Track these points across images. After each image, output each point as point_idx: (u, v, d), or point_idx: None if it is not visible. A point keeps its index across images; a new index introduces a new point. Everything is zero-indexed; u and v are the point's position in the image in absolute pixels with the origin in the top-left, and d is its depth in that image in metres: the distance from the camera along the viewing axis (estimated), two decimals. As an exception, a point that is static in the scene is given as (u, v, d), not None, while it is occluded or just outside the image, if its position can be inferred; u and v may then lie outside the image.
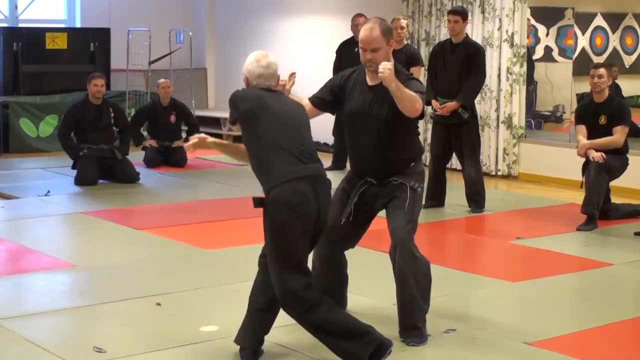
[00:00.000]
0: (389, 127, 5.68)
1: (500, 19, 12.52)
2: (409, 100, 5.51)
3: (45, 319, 6.11)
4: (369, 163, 5.84)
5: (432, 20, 13.46)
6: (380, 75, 5.45)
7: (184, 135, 13.07)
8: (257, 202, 5.12)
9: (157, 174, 12.14)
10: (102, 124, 11.29)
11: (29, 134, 14.15)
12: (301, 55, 15.26)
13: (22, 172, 12.27)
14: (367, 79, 5.84)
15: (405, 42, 10.72)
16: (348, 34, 12.46)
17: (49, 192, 10.51)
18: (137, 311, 6.30)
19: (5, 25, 15.32)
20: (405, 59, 10.09)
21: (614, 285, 7.35)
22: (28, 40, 14.67)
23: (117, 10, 15.91)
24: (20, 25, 15.52)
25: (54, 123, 14.15)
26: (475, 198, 10.00)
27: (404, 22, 10.67)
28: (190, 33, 15.79)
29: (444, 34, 12.78)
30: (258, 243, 7.46)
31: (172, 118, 12.81)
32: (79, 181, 11.05)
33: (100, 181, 11.26)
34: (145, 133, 12.99)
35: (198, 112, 15.04)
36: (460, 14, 9.95)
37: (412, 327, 5.72)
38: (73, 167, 11.25)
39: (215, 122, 15.78)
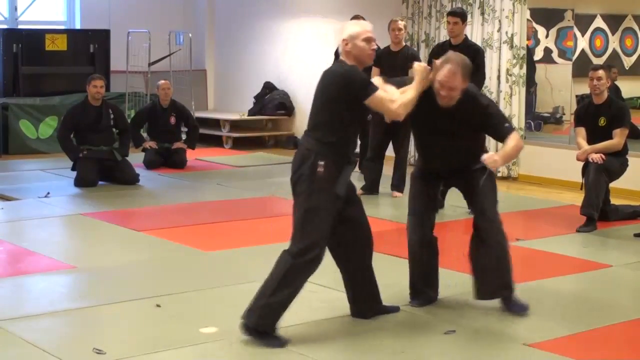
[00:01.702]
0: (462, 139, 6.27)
1: (499, 21, 12.51)
2: (514, 156, 6.52)
3: (45, 320, 6.08)
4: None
5: (431, 22, 13.46)
6: (491, 167, 6.11)
7: (183, 136, 13.07)
8: None
9: (157, 175, 12.15)
10: (102, 126, 11.26)
11: (28, 135, 14.14)
12: (300, 57, 15.27)
13: (22, 174, 12.25)
14: (438, 101, 6.18)
15: (404, 44, 10.75)
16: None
17: (48, 193, 10.51)
18: (137, 313, 6.30)
19: (4, 26, 15.24)
20: (404, 60, 10.06)
21: (613, 287, 7.35)
22: (28, 42, 14.68)
23: (116, 12, 15.86)
24: (20, 26, 15.48)
25: (53, 125, 14.15)
26: None
27: (401, 24, 10.73)
28: (190, 35, 15.74)
29: (443, 36, 12.75)
30: (258, 244, 8.05)
31: (172, 120, 12.77)
32: (78, 182, 11.02)
33: (100, 183, 11.23)
34: (145, 134, 12.99)
35: (198, 114, 15.05)
36: (460, 16, 9.97)
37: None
38: (73, 169, 11.22)
39: (215, 123, 15.77)
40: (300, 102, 15.15)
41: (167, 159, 12.72)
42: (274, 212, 9.77)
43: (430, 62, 10.08)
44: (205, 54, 16.87)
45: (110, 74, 15.03)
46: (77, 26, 15.94)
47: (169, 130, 12.79)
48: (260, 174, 12.48)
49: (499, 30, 12.53)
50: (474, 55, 9.80)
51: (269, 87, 15.77)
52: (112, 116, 11.35)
